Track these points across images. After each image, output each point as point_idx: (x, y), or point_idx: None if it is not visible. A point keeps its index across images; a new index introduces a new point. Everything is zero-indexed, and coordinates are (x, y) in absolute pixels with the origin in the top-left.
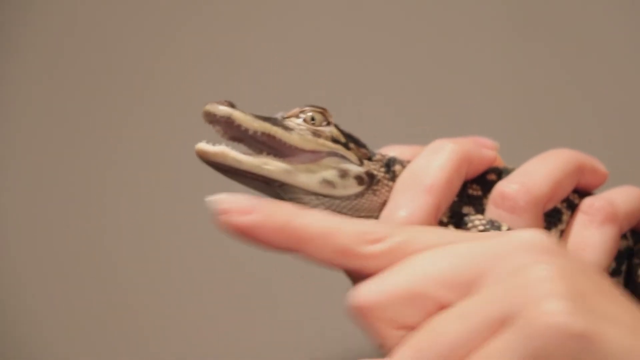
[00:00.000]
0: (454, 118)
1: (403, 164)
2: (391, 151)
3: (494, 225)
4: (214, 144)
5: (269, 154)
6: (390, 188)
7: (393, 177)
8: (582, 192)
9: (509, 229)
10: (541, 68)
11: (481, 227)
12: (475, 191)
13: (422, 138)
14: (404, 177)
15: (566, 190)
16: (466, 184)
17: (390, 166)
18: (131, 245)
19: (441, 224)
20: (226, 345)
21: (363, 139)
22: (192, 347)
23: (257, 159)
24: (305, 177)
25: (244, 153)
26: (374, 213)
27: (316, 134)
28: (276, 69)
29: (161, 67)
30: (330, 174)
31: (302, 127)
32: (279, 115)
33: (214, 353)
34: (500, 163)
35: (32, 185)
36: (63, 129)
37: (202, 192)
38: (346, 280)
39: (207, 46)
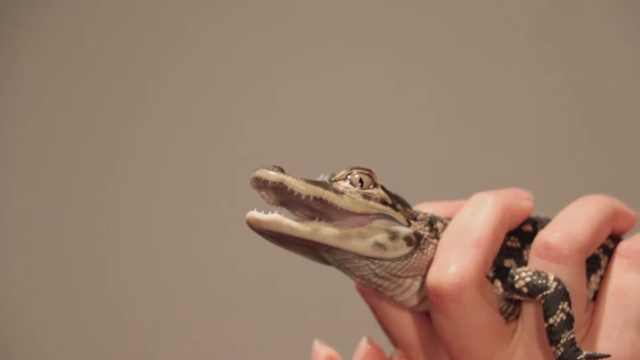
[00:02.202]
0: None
1: (443, 221)
2: (424, 208)
3: (540, 277)
4: (265, 212)
5: (315, 218)
6: (435, 246)
7: (437, 235)
8: (614, 237)
9: (555, 279)
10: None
11: (528, 279)
12: (514, 243)
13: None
14: (450, 233)
15: (604, 236)
16: (504, 237)
17: (433, 224)
18: (129, 248)
19: (487, 278)
20: (223, 346)
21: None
22: (188, 348)
23: (309, 225)
24: (358, 242)
25: (292, 219)
26: (422, 272)
27: (366, 197)
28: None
29: (160, 69)
30: (382, 237)
31: (351, 189)
32: (324, 178)
33: (211, 353)
34: None
35: (28, 190)
36: (63, 132)
37: (199, 196)
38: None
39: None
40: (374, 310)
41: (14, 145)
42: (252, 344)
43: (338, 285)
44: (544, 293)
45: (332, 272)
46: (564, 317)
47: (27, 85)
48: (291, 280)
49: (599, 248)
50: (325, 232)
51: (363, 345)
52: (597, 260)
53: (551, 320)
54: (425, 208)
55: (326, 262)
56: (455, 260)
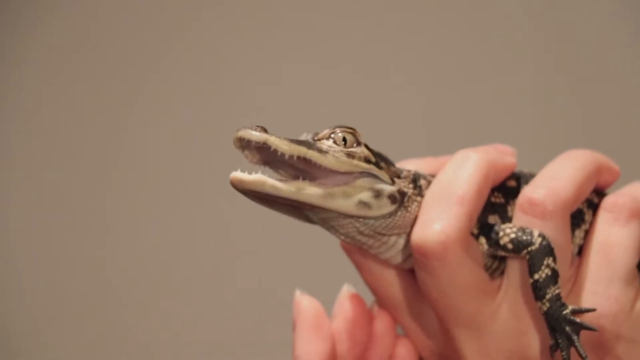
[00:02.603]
0: (463, 126)
1: (427, 178)
2: (408, 165)
3: (525, 232)
4: (248, 173)
5: (298, 177)
6: (419, 203)
7: (420, 192)
8: (597, 191)
9: (540, 235)
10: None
11: (513, 235)
12: (498, 199)
13: (436, 147)
14: (434, 191)
15: (589, 191)
16: (489, 193)
17: (417, 181)
18: (128, 247)
19: (471, 235)
20: (223, 346)
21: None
22: (186, 347)
23: (293, 185)
24: (342, 201)
25: (275, 178)
26: (406, 229)
27: (350, 155)
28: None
29: (158, 70)
30: (366, 196)
31: (335, 149)
32: (307, 137)
33: (212, 352)
34: None
35: (28, 189)
36: (62, 132)
37: (199, 194)
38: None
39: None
40: (359, 268)
41: (12, 144)
42: (252, 343)
43: (339, 282)
44: (529, 249)
45: (333, 271)
46: (549, 273)
47: (26, 85)
48: (292, 280)
49: (583, 202)
50: (310, 191)
51: (344, 294)
52: (581, 214)
53: (536, 276)
54: (409, 165)
55: (310, 221)
56: (440, 218)
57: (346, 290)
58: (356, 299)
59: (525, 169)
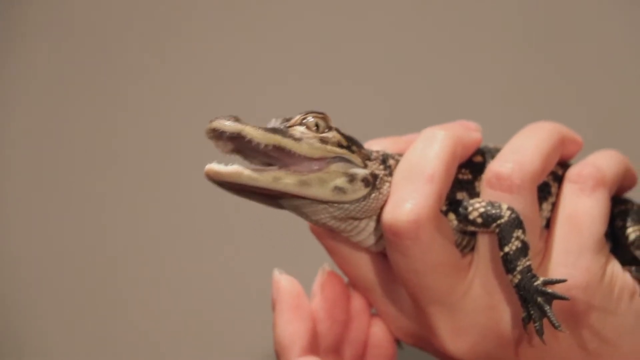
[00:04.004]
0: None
1: (395, 158)
2: (374, 146)
3: (494, 206)
4: (225, 164)
5: (271, 164)
6: (390, 183)
7: (390, 172)
8: (561, 163)
9: (508, 208)
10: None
11: (482, 210)
12: (465, 175)
13: (406, 126)
14: (403, 170)
15: (554, 162)
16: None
17: (386, 162)
18: (126, 244)
19: (441, 213)
20: (223, 346)
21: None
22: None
23: (270, 175)
24: (319, 188)
25: (249, 168)
26: (377, 212)
27: (323, 141)
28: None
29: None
30: (341, 181)
31: (308, 135)
32: (276, 122)
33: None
34: None
35: (28, 186)
36: (60, 129)
37: (200, 193)
38: None
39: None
40: (330, 252)
41: (11, 143)
42: (253, 343)
43: (316, 261)
44: (498, 222)
45: (311, 249)
46: (519, 245)
47: (23, 83)
48: (271, 261)
49: (548, 175)
50: (286, 180)
51: (322, 272)
52: (548, 187)
53: (506, 249)
54: (374, 144)
55: (280, 207)
56: (410, 197)
57: (325, 268)
58: (335, 277)
59: (490, 144)
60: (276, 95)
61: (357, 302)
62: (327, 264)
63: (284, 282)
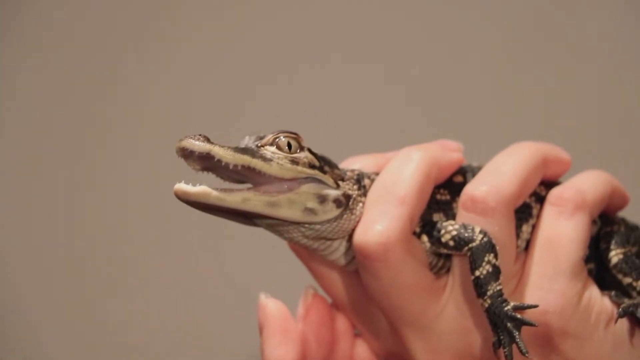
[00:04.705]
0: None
1: (370, 177)
2: (355, 163)
3: (467, 229)
4: (192, 184)
5: (242, 182)
6: (364, 203)
7: (365, 192)
8: (547, 183)
9: (481, 231)
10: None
11: (454, 232)
12: (443, 196)
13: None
14: (376, 190)
15: (534, 185)
16: (433, 190)
17: (361, 181)
18: (124, 245)
19: (414, 234)
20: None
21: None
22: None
23: (239, 195)
24: (288, 209)
25: (220, 187)
26: (350, 232)
27: (294, 162)
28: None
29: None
30: (311, 202)
31: (279, 155)
32: (249, 140)
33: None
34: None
35: (23, 186)
36: (54, 131)
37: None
38: None
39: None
40: (309, 269)
41: (10, 142)
42: (253, 343)
43: (299, 281)
44: (470, 245)
45: (294, 270)
46: (490, 269)
47: (18, 80)
48: (293, 280)
49: (530, 196)
50: (255, 201)
51: (307, 295)
52: (529, 209)
53: (477, 273)
54: (357, 162)
55: (254, 224)
56: (381, 219)
57: (309, 291)
58: (319, 299)
59: (474, 163)
60: (264, 102)
61: (341, 323)
62: (311, 286)
63: (271, 306)
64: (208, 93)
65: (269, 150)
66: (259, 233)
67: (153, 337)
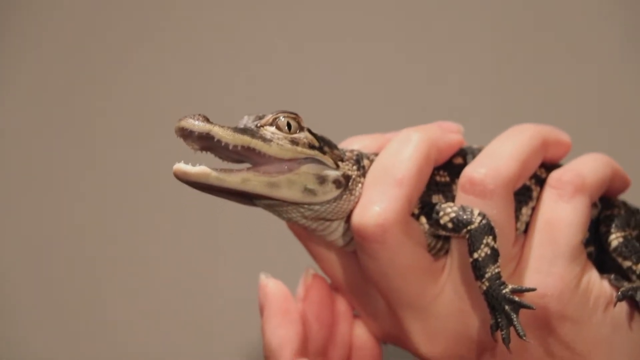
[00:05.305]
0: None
1: (370, 158)
2: (354, 143)
3: (465, 212)
4: (192, 164)
5: (241, 162)
6: (363, 184)
7: (364, 173)
8: (548, 165)
9: (480, 214)
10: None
11: (453, 215)
12: (443, 178)
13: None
14: (374, 171)
15: (534, 167)
16: (433, 171)
17: (360, 162)
18: (117, 244)
19: (412, 216)
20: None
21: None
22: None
23: (238, 176)
24: (288, 190)
25: (219, 167)
26: (349, 213)
27: (294, 142)
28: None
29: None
30: (311, 183)
31: (278, 135)
32: (248, 120)
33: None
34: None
35: (18, 186)
36: (49, 131)
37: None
38: None
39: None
40: (308, 249)
41: (9, 142)
42: (248, 344)
43: (300, 263)
44: (468, 228)
45: (294, 251)
46: (489, 252)
47: (18, 80)
48: (293, 280)
49: (530, 179)
50: (255, 181)
51: (307, 275)
52: (529, 191)
53: (475, 255)
54: (356, 142)
55: (253, 204)
56: (378, 201)
57: (309, 271)
58: (319, 280)
59: (474, 145)
60: (263, 89)
61: (341, 305)
62: (312, 268)
63: (271, 286)
64: (205, 86)
65: (269, 131)
66: (259, 233)
67: (153, 337)
